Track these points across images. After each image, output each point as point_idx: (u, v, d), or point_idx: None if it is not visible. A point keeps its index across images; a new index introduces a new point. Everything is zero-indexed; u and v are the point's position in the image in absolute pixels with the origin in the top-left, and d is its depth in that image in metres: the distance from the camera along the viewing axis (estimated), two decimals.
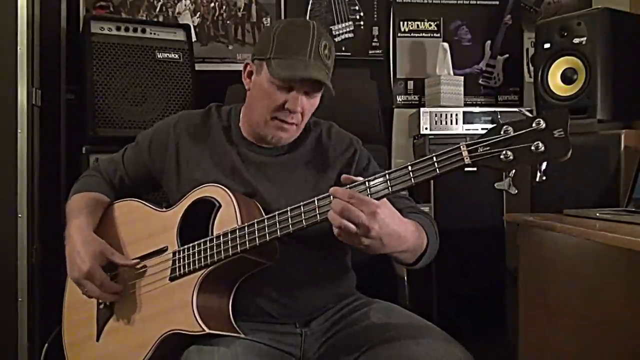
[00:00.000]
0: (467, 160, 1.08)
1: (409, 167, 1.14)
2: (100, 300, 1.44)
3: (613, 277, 1.73)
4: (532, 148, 1.04)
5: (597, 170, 2.09)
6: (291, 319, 1.42)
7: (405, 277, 1.72)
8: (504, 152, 1.06)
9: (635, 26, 2.31)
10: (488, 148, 1.07)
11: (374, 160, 1.55)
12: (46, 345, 2.02)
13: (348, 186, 1.16)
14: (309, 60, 1.33)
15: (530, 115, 1.08)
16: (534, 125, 1.05)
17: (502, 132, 1.07)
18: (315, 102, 1.42)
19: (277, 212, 1.24)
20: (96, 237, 1.41)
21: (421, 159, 1.13)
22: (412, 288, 1.68)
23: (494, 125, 1.09)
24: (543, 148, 1.04)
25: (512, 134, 1.06)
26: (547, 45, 2.32)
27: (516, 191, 1.10)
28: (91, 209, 1.48)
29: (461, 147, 1.09)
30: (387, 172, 1.16)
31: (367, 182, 1.16)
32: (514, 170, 1.09)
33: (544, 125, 1.04)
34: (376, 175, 1.16)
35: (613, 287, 1.73)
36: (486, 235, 2.55)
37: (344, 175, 1.20)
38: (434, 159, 1.11)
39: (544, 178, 1.07)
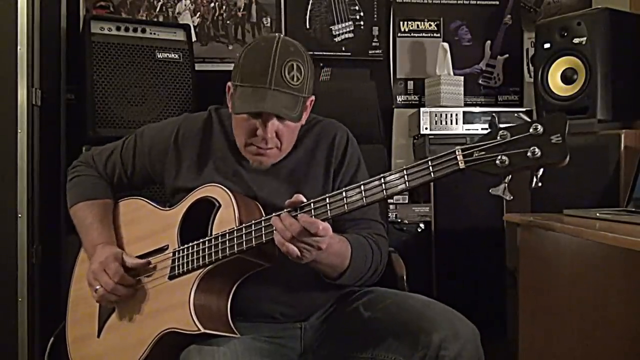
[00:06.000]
0: (461, 165, 1.08)
1: (404, 171, 1.14)
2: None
3: (613, 277, 1.73)
4: (529, 153, 1.03)
5: (597, 170, 2.09)
6: (294, 318, 1.43)
7: (405, 277, 1.72)
8: (499, 157, 1.05)
9: (635, 26, 2.31)
10: (483, 153, 1.06)
11: (372, 160, 1.55)
12: (52, 339, 2.02)
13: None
14: (269, 87, 1.29)
15: (528, 119, 1.06)
16: (531, 130, 1.03)
17: (498, 137, 1.06)
18: (293, 124, 1.38)
19: (274, 214, 1.23)
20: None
21: (416, 163, 1.13)
22: (412, 288, 1.68)
23: (491, 129, 1.08)
24: (540, 153, 1.02)
25: (508, 138, 1.05)
26: (547, 45, 2.32)
27: (511, 197, 1.07)
28: (106, 222, 1.50)
29: (456, 151, 1.08)
30: (382, 175, 1.16)
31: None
32: (509, 176, 1.07)
33: (541, 130, 1.03)
34: (372, 179, 1.17)
35: (613, 287, 1.73)
36: (486, 235, 2.54)
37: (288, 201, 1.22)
38: (429, 163, 1.11)
39: (540, 184, 1.05)
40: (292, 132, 1.41)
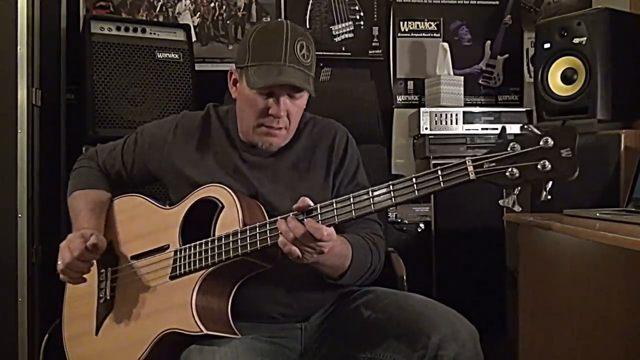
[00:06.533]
0: (472, 176, 1.08)
1: (413, 180, 1.14)
2: (100, 295, 1.45)
3: (613, 277, 1.74)
4: (539, 167, 1.03)
5: (597, 170, 2.09)
6: (293, 318, 1.44)
7: (405, 277, 1.72)
8: (509, 169, 1.05)
9: (635, 26, 2.31)
10: (494, 164, 1.07)
11: (372, 160, 1.55)
12: (46, 336, 2.03)
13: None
14: (283, 64, 1.32)
15: (538, 132, 1.06)
16: (541, 143, 1.04)
17: (508, 149, 1.06)
18: (301, 103, 1.41)
19: (279, 217, 1.23)
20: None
21: (426, 172, 1.13)
22: (411, 288, 1.68)
23: (501, 140, 1.08)
24: (550, 167, 1.03)
25: (518, 151, 1.06)
26: (547, 45, 2.32)
27: (520, 209, 1.08)
28: (97, 211, 1.49)
29: (467, 162, 1.09)
30: (391, 183, 1.17)
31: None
32: (519, 188, 1.08)
33: (551, 143, 1.03)
34: (380, 186, 1.17)
35: (613, 287, 1.74)
36: (486, 235, 2.54)
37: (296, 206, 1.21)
38: (439, 172, 1.11)
39: (549, 197, 1.06)
40: (299, 112, 1.43)
